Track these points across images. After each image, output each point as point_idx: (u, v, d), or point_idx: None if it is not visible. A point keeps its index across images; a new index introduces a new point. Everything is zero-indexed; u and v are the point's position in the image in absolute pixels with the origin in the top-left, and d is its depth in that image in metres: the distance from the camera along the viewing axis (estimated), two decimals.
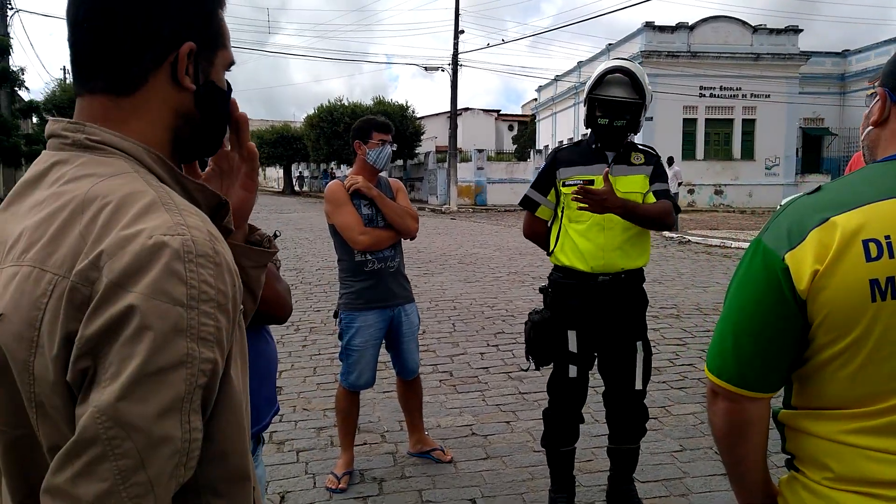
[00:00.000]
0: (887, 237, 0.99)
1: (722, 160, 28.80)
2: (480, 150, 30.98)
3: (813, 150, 30.85)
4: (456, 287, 8.73)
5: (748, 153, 28.80)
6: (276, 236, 1.30)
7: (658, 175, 2.87)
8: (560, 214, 2.89)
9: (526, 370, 4.56)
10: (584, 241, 2.79)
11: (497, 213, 25.82)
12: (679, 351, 5.59)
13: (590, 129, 2.90)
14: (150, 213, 0.74)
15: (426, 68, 28.62)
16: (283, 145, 39.49)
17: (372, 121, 3.39)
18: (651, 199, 2.85)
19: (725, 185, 28.41)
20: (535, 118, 42.26)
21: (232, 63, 0.94)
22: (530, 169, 29.40)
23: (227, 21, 0.94)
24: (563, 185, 2.84)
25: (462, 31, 26.96)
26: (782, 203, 1.15)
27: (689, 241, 14.74)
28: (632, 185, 2.79)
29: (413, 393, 3.59)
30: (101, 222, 0.73)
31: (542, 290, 3.01)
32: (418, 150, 34.03)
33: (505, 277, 9.62)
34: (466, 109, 47.50)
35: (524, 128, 47.77)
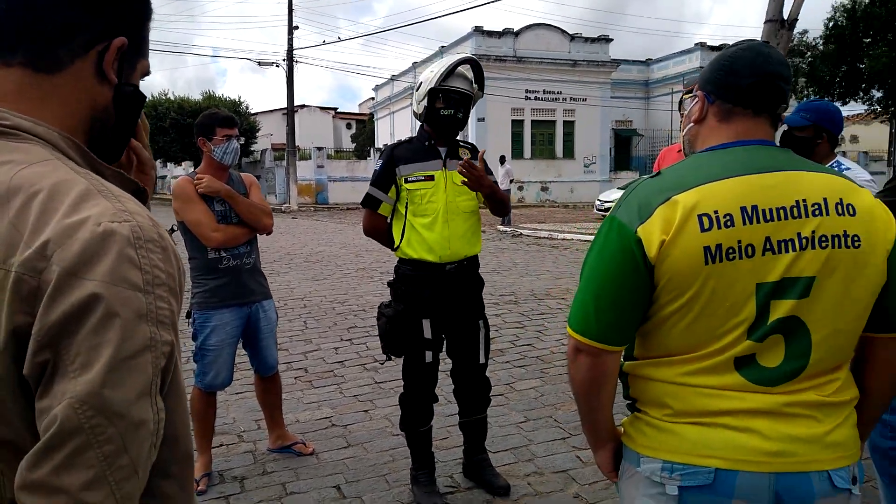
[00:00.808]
0: (716, 212, 1.22)
1: (547, 159, 30.95)
2: (320, 148, 30.64)
3: (624, 149, 34.12)
4: (304, 285, 8.66)
5: (569, 152, 31.20)
6: (172, 231, 1.31)
7: (486, 168, 3.12)
8: (404, 210, 3.00)
9: (383, 363, 4.74)
10: (431, 234, 2.94)
11: (340, 212, 25.68)
12: (519, 333, 6.05)
13: (421, 126, 3.05)
14: (88, 201, 0.74)
15: (260, 63, 27.71)
16: None
17: (215, 116, 3.30)
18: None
19: (550, 181, 30.58)
20: (373, 117, 42.45)
21: (147, 73, 0.93)
22: (371, 167, 29.53)
23: None
24: (406, 182, 2.95)
25: (296, 27, 26.42)
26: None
27: (521, 234, 15.75)
28: None
29: (273, 389, 3.60)
30: (36, 211, 0.72)
31: (390, 284, 3.12)
32: (254, 147, 32.83)
33: (353, 274, 9.70)
34: (303, 106, 46.52)
35: (363, 126, 47.82)
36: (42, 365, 0.69)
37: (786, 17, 11.97)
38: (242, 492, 3.18)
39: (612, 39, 31.49)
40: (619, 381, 1.42)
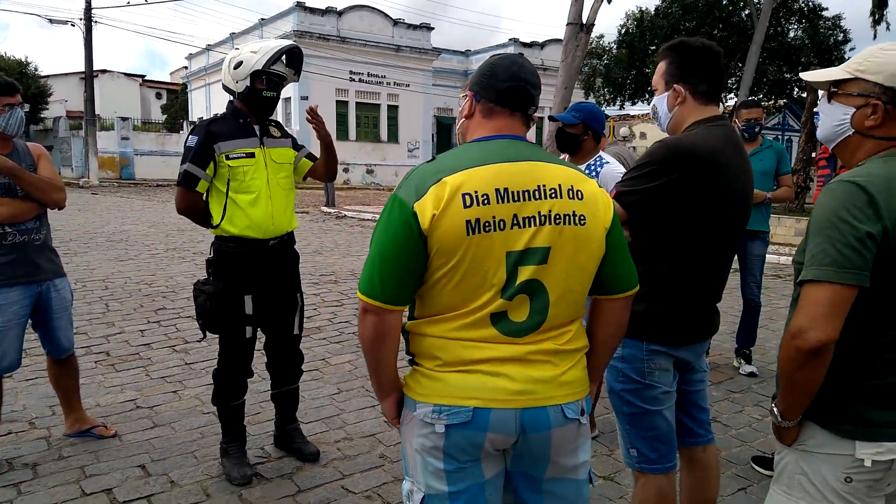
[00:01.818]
0: (476, 192, 1.48)
1: (372, 142, 31.18)
2: (125, 119, 27.99)
3: (445, 136, 35.35)
4: (106, 266, 8.06)
5: (394, 136, 31.69)
6: None
7: (299, 145, 3.28)
8: (224, 188, 3.01)
9: (199, 341, 4.64)
10: (255, 210, 2.99)
11: (149, 188, 23.84)
12: (337, 311, 6.20)
13: (231, 102, 3.09)
14: None
15: (52, 21, 24.62)
16: None
17: None
18: (306, 162, 3.27)
19: (375, 164, 30.88)
20: (186, 87, 39.67)
21: None
22: (184, 140, 27.71)
23: None
24: (228, 159, 2.97)
25: None
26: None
27: (346, 215, 15.84)
28: (284, 155, 3.14)
29: (68, 372, 3.42)
30: None
31: (209, 261, 3.11)
32: (45, 114, 29.29)
33: (163, 254, 9.19)
34: (104, 71, 42.11)
35: (174, 97, 44.42)
36: None
37: (585, 21, 13.26)
38: (36, 478, 3.02)
39: (433, 28, 32.39)
40: (402, 338, 1.65)
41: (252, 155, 3.00)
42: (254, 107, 3.05)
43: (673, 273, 2.10)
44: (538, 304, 1.55)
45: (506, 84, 1.61)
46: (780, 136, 23.75)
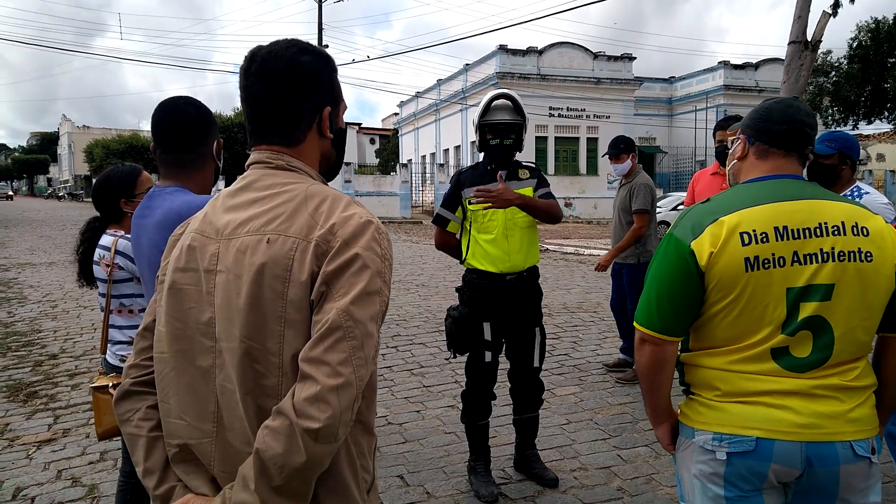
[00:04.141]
0: (754, 230, 1.56)
1: (570, 175, 31.19)
2: (348, 163, 31.11)
3: (647, 166, 34.28)
4: None
5: (593, 169, 31.42)
6: None
7: (541, 183, 3.49)
8: (469, 227, 3.40)
9: (448, 360, 5.08)
10: (493, 248, 3.33)
11: None
12: (555, 343, 6.36)
13: (483, 153, 3.45)
14: (352, 205, 1.22)
15: None
16: (132, 155, 37.17)
17: None
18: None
19: (574, 197, 30.80)
20: (397, 133, 43.07)
21: (345, 109, 1.40)
22: (397, 182, 29.99)
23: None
24: (469, 203, 3.34)
25: (326, 46, 27.12)
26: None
27: (548, 248, 16.04)
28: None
29: None
30: (326, 209, 1.19)
31: (458, 290, 3.51)
32: None
33: (413, 289, 10.07)
34: None
35: (386, 141, 48.48)
36: (321, 293, 1.13)
37: (809, 38, 12.26)
38: None
39: (635, 58, 31.82)
40: (676, 370, 1.75)
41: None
42: (489, 154, 3.40)
43: None
44: (822, 340, 1.57)
45: (782, 127, 1.68)
46: None
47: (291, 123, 1.28)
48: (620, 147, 5.39)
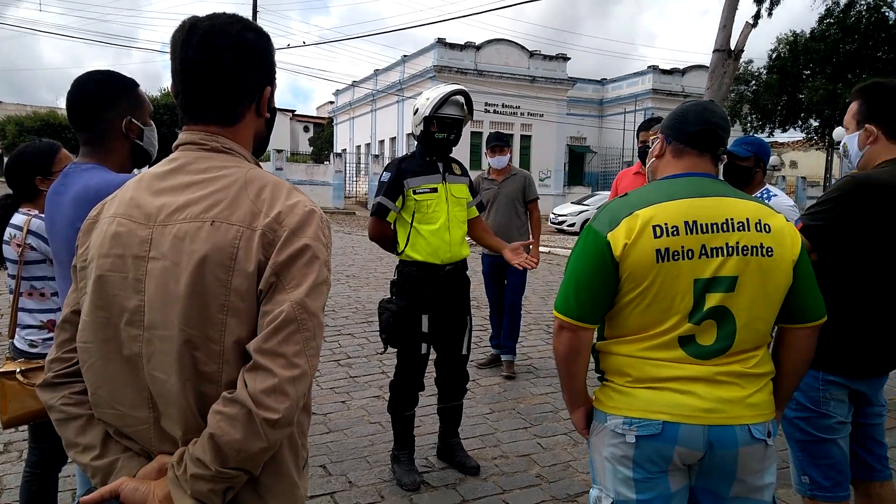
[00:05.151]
0: (666, 224, 1.64)
1: None
2: (280, 151, 30.34)
3: (577, 165, 35.15)
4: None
5: (525, 166, 31.80)
6: None
7: (472, 188, 3.58)
8: (409, 218, 3.35)
9: (381, 353, 5.08)
10: (435, 239, 3.32)
11: None
12: (482, 335, 6.45)
13: (420, 143, 3.43)
14: (294, 192, 1.22)
15: None
16: (48, 134, 35.17)
17: None
18: (473, 211, 3.57)
19: None
20: (332, 121, 42.47)
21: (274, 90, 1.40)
22: (330, 171, 29.52)
23: None
24: (415, 193, 3.32)
25: None
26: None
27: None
28: (462, 191, 3.44)
29: None
30: (268, 196, 1.18)
31: (393, 282, 3.46)
32: None
33: (343, 279, 9.94)
34: None
35: (321, 130, 47.74)
36: (270, 284, 1.12)
37: (733, 47, 12.85)
38: None
39: (569, 58, 32.46)
40: (592, 357, 1.82)
41: (435, 190, 3.32)
42: (430, 148, 3.39)
43: (854, 305, 2.12)
44: (725, 329, 1.66)
45: (696, 128, 1.76)
46: None
47: (234, 101, 1.26)
48: (504, 140, 5.97)
